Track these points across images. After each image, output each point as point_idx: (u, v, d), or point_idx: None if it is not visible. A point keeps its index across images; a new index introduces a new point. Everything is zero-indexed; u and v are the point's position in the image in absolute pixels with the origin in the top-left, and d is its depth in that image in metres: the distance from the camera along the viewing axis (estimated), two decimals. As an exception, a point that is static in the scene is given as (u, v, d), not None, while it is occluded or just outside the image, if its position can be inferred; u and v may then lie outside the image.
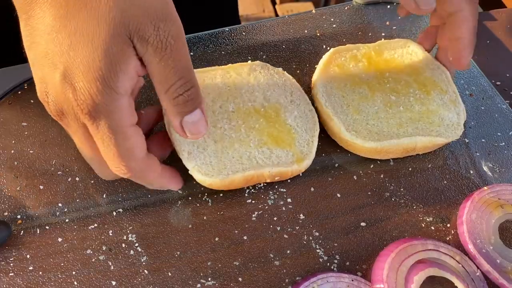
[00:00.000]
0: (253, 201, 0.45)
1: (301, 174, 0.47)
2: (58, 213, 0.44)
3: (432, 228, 0.44)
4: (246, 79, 0.49)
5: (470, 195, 0.45)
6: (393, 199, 0.46)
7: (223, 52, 0.56)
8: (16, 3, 0.35)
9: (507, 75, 0.58)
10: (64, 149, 0.48)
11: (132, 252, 0.42)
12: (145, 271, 0.41)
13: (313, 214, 0.45)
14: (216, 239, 0.43)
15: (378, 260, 0.41)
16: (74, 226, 0.43)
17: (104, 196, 0.45)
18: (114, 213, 0.44)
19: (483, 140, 0.51)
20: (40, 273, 0.40)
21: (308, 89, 0.52)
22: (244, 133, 0.45)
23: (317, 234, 0.44)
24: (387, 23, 0.60)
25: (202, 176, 0.43)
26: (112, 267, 0.41)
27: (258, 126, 0.46)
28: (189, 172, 0.43)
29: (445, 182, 0.48)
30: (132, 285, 0.40)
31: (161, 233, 0.43)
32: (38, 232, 0.43)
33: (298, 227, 0.44)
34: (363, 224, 0.44)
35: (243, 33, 0.58)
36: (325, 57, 0.51)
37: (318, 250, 0.43)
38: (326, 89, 0.49)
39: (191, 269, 0.41)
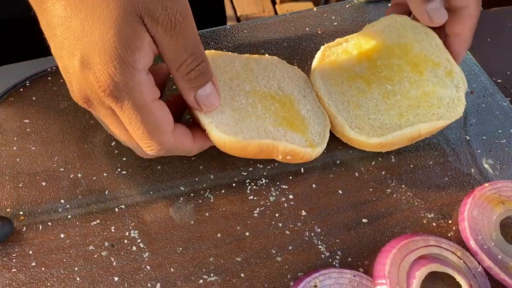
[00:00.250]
0: (255, 198, 0.45)
1: (302, 171, 0.47)
2: (60, 210, 0.44)
3: (434, 224, 0.45)
4: (263, 68, 0.49)
5: (472, 191, 0.46)
6: (394, 196, 0.46)
7: (224, 50, 0.56)
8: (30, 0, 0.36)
9: (508, 72, 0.58)
10: (66, 145, 0.48)
11: (134, 248, 0.42)
12: (148, 267, 0.41)
13: (315, 210, 0.45)
14: (218, 235, 0.43)
15: (380, 256, 0.41)
16: (77, 222, 0.43)
17: (107, 192, 0.45)
18: (117, 209, 0.44)
19: (484, 137, 0.51)
20: (43, 269, 0.41)
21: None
22: (260, 111, 0.45)
23: (319, 230, 0.44)
24: (388, 21, 0.60)
25: (219, 132, 0.41)
26: (114, 263, 0.41)
27: (274, 109, 0.46)
28: (205, 127, 0.41)
29: (447, 178, 0.48)
30: (134, 281, 0.40)
31: (163, 229, 0.43)
32: (40, 228, 0.43)
33: (300, 223, 0.44)
34: (364, 220, 0.45)
35: (245, 31, 0.58)
36: (317, 56, 0.52)
37: (320, 246, 0.43)
38: (326, 87, 0.49)
39: (193, 265, 0.41)
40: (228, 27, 0.58)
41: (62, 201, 0.44)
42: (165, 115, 0.38)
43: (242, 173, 0.47)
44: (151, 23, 0.34)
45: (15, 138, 0.48)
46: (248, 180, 0.47)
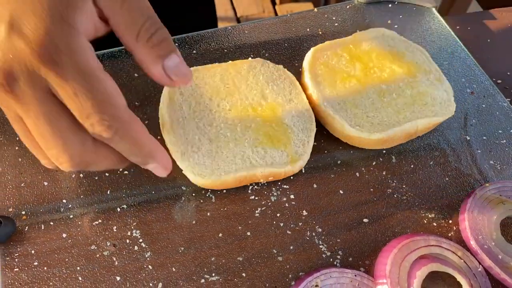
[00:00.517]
0: (257, 198, 0.46)
1: (303, 171, 0.47)
2: (62, 209, 0.44)
3: (434, 224, 0.45)
4: (245, 77, 0.50)
5: (472, 191, 0.46)
6: (395, 196, 0.46)
7: (225, 50, 0.56)
8: None
9: (508, 73, 0.59)
10: (68, 145, 0.48)
11: (136, 247, 0.42)
12: (149, 266, 0.41)
13: (316, 210, 0.45)
14: (220, 235, 0.43)
15: (381, 255, 0.42)
16: (79, 222, 0.43)
17: (108, 192, 0.45)
18: (118, 209, 0.44)
19: (484, 137, 0.51)
20: (45, 268, 0.41)
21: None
22: (240, 132, 0.46)
23: (320, 230, 0.44)
24: (389, 21, 0.61)
25: (195, 176, 0.43)
26: (116, 263, 0.41)
27: (255, 125, 0.46)
28: (183, 172, 0.44)
29: (447, 179, 0.48)
30: (136, 281, 0.40)
31: (165, 229, 0.43)
32: (42, 228, 0.43)
33: (301, 223, 0.44)
34: (365, 220, 0.45)
35: (246, 31, 0.59)
36: (307, 58, 0.52)
37: (321, 246, 0.43)
38: (319, 89, 0.49)
39: (195, 265, 0.41)
40: (229, 27, 0.59)
41: (64, 200, 0.45)
42: (116, 86, 0.32)
43: (244, 173, 0.47)
44: None
45: (17, 138, 0.48)
46: (249, 180, 0.47)
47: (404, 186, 0.47)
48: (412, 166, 0.49)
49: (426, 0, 0.63)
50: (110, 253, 0.42)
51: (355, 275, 0.40)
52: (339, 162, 0.48)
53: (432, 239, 0.42)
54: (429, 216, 0.45)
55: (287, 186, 0.46)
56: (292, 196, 0.46)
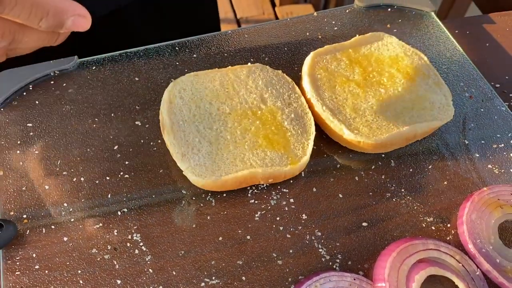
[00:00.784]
0: (256, 201, 0.46)
1: (303, 175, 0.48)
2: (63, 213, 0.44)
3: (433, 228, 0.45)
4: (245, 81, 0.50)
5: (470, 195, 0.46)
6: (394, 200, 0.47)
7: (225, 54, 0.57)
8: None
9: (506, 77, 0.59)
10: (69, 149, 0.48)
11: (137, 251, 0.42)
12: (150, 270, 0.41)
13: (315, 214, 0.45)
14: (220, 238, 0.43)
15: (379, 259, 0.42)
16: (80, 225, 0.44)
17: (109, 196, 0.45)
18: (119, 213, 0.44)
19: (482, 141, 0.51)
20: (46, 272, 0.41)
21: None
22: (240, 135, 0.46)
23: (319, 234, 0.44)
24: (388, 25, 0.61)
25: (195, 177, 0.43)
26: (117, 266, 0.41)
27: (254, 129, 0.47)
28: (183, 173, 0.44)
29: (445, 183, 0.48)
30: (136, 284, 0.41)
31: (165, 233, 0.44)
32: (44, 231, 0.43)
33: (300, 227, 0.44)
34: (364, 224, 0.45)
35: (246, 35, 0.59)
36: (307, 62, 0.52)
37: (320, 250, 0.43)
38: (318, 93, 0.49)
39: (195, 268, 0.42)
40: (229, 31, 0.59)
41: (65, 204, 0.45)
42: None
43: (243, 177, 0.47)
44: None
45: (18, 142, 0.48)
46: (249, 184, 0.47)
47: (403, 190, 0.47)
48: (411, 170, 0.49)
49: (425, 5, 0.63)
50: (111, 257, 0.42)
51: (354, 279, 0.41)
52: (338, 166, 0.49)
53: (431, 243, 0.42)
54: (428, 220, 0.46)
55: (287, 190, 0.47)
56: (291, 200, 0.46)
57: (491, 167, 0.50)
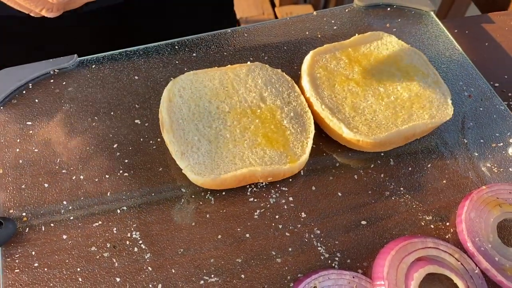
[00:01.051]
0: (256, 200, 0.46)
1: (302, 173, 0.48)
2: (63, 211, 0.44)
3: (432, 226, 0.45)
4: (244, 80, 0.50)
5: (469, 194, 0.46)
6: (393, 198, 0.47)
7: (225, 53, 0.57)
8: None
9: (506, 76, 0.59)
10: (68, 148, 0.48)
11: (136, 249, 0.42)
12: (149, 268, 0.41)
13: (314, 212, 0.45)
14: (219, 236, 0.43)
15: (378, 257, 0.42)
16: (79, 223, 0.44)
17: (108, 194, 0.45)
18: (118, 211, 0.44)
19: (481, 140, 0.52)
20: (45, 269, 0.41)
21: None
22: (239, 134, 0.46)
23: (318, 232, 0.44)
24: (387, 25, 0.61)
25: (195, 175, 0.43)
26: (116, 264, 0.42)
27: (253, 127, 0.47)
28: (183, 171, 0.44)
29: (445, 181, 0.48)
30: (136, 282, 0.41)
31: (164, 231, 0.44)
32: (43, 229, 0.43)
33: (299, 225, 0.45)
34: (363, 222, 0.45)
35: (245, 35, 0.59)
36: (306, 61, 0.52)
37: (319, 248, 0.43)
38: (317, 92, 0.50)
39: (194, 266, 0.42)
40: (229, 31, 0.59)
41: (65, 202, 0.45)
42: None
43: (243, 175, 0.47)
44: None
45: (18, 140, 0.48)
46: (248, 182, 0.47)
47: (402, 189, 0.47)
48: (410, 168, 0.49)
49: (424, 4, 0.63)
50: (110, 255, 0.42)
51: (353, 277, 0.41)
52: (337, 164, 0.49)
53: (430, 241, 0.42)
54: (427, 218, 0.46)
55: (286, 189, 0.47)
56: (290, 198, 0.46)
57: (490, 165, 0.50)
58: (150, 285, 0.41)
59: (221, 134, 0.46)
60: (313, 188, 0.47)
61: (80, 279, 0.41)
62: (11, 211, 0.44)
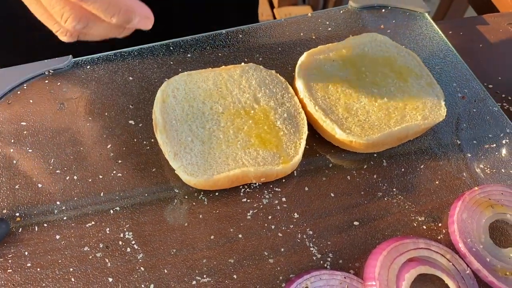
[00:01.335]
0: (248, 200, 0.46)
1: (295, 174, 0.48)
2: (56, 211, 0.44)
3: (424, 227, 0.45)
4: (238, 80, 0.50)
5: (461, 195, 0.46)
6: (385, 199, 0.47)
7: (219, 54, 0.57)
8: None
9: (499, 78, 0.59)
10: (62, 148, 0.48)
11: (128, 249, 0.43)
12: (142, 268, 0.42)
13: (307, 213, 0.46)
14: (212, 237, 0.44)
15: (370, 258, 0.42)
16: (72, 223, 0.44)
17: (102, 194, 0.46)
18: (111, 211, 0.45)
19: (474, 141, 0.52)
20: (38, 269, 0.41)
21: (302, 91, 0.52)
22: (232, 134, 0.46)
23: (311, 232, 0.44)
24: (382, 26, 0.62)
25: (187, 176, 0.44)
26: (109, 264, 0.42)
27: (247, 128, 0.47)
28: (175, 171, 0.44)
29: (437, 182, 0.48)
30: (128, 282, 0.41)
31: (157, 231, 0.44)
32: (36, 229, 0.43)
33: (292, 226, 0.45)
34: (356, 223, 0.45)
35: (240, 36, 0.59)
36: (300, 62, 0.53)
37: (311, 248, 0.43)
38: (311, 93, 0.50)
39: (186, 266, 0.42)
40: (224, 31, 0.59)
41: (58, 202, 0.45)
42: None
43: (236, 176, 0.48)
44: None
45: (12, 140, 0.49)
46: (241, 183, 0.47)
47: (394, 190, 0.48)
48: (403, 169, 0.49)
49: (419, 5, 0.64)
50: (103, 255, 0.42)
51: (345, 277, 0.41)
52: (330, 165, 0.49)
53: (421, 242, 0.42)
54: (419, 219, 0.46)
55: (279, 189, 0.47)
56: (283, 199, 0.46)
57: (482, 167, 0.50)
58: (143, 285, 0.41)
59: (215, 134, 0.46)
60: (306, 188, 0.47)
61: (72, 279, 0.41)
62: (4, 211, 0.44)
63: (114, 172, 0.47)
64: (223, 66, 0.52)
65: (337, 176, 0.48)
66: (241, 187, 0.47)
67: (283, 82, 0.51)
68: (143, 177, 0.47)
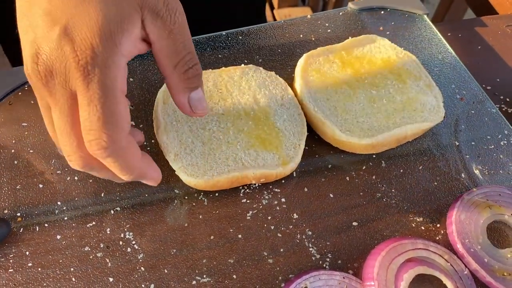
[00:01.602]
0: (248, 201, 0.46)
1: (294, 175, 0.48)
2: (57, 211, 0.45)
3: (422, 228, 0.46)
4: (238, 82, 0.51)
5: (460, 196, 0.47)
6: (384, 200, 0.47)
7: (219, 56, 0.57)
8: None
9: (498, 80, 0.60)
10: (63, 149, 0.49)
11: (129, 249, 0.43)
12: (142, 268, 0.42)
13: (306, 213, 0.46)
14: (212, 237, 0.44)
15: (369, 258, 0.42)
16: (73, 224, 0.44)
17: (102, 194, 0.46)
18: (112, 212, 0.45)
19: (473, 143, 0.52)
20: (39, 269, 0.41)
21: (301, 93, 0.53)
22: (232, 135, 0.47)
23: (310, 233, 0.45)
24: (381, 28, 0.62)
25: (188, 176, 0.44)
26: (109, 264, 0.42)
27: (247, 129, 0.47)
28: (176, 172, 0.45)
29: (436, 183, 0.49)
30: (129, 282, 0.41)
31: (157, 231, 0.44)
32: (37, 229, 0.44)
33: (291, 226, 0.45)
34: (355, 223, 0.46)
35: (240, 37, 0.60)
36: (300, 63, 0.53)
37: (310, 249, 0.44)
38: (310, 95, 0.50)
39: (186, 267, 0.42)
40: (224, 33, 0.60)
41: (59, 203, 0.45)
42: (127, 111, 0.34)
43: (236, 176, 0.48)
44: (151, 15, 0.34)
45: (13, 141, 0.49)
46: (241, 184, 0.47)
47: (393, 190, 0.48)
48: (401, 170, 0.49)
49: (418, 7, 0.64)
50: (104, 255, 0.42)
51: (344, 277, 0.41)
52: (329, 166, 0.49)
53: (420, 243, 0.43)
54: (418, 220, 0.46)
55: (278, 190, 0.47)
56: (283, 200, 0.47)
57: (481, 168, 0.50)
58: (143, 285, 0.41)
59: (215, 135, 0.47)
60: (305, 189, 0.47)
61: (73, 279, 0.41)
62: (5, 211, 0.45)
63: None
64: (223, 68, 0.52)
65: (336, 177, 0.49)
66: (240, 187, 0.47)
67: (283, 84, 0.52)
68: (143, 177, 0.47)
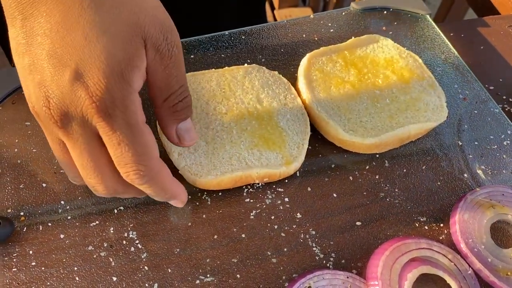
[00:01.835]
0: (252, 200, 0.46)
1: (298, 174, 0.48)
2: (60, 210, 0.45)
3: (426, 227, 0.46)
4: (241, 81, 0.51)
5: (463, 196, 0.47)
6: (387, 199, 0.47)
7: (222, 55, 0.57)
8: (7, 2, 0.32)
9: (500, 80, 0.60)
10: (66, 148, 0.49)
11: (132, 248, 0.43)
12: (145, 267, 0.42)
13: (309, 213, 0.46)
14: (215, 236, 0.44)
15: (372, 258, 0.42)
16: (76, 223, 0.44)
17: (106, 194, 0.46)
18: (116, 211, 0.45)
19: (476, 143, 0.52)
20: (43, 268, 0.41)
21: (305, 92, 0.53)
22: (236, 135, 0.47)
23: (313, 232, 0.45)
24: (384, 28, 0.62)
25: (191, 176, 0.44)
26: (113, 263, 0.42)
27: (250, 128, 0.47)
28: (179, 172, 0.45)
29: (439, 183, 0.49)
30: (132, 281, 0.41)
31: (161, 231, 0.44)
32: (40, 228, 0.44)
33: (295, 226, 0.45)
34: (358, 223, 0.46)
35: (243, 37, 0.60)
36: (303, 63, 0.53)
37: (314, 248, 0.44)
38: (314, 94, 0.50)
39: (190, 266, 0.42)
40: (227, 33, 0.60)
41: (62, 202, 0.45)
42: (153, 139, 0.36)
43: (239, 176, 0.48)
44: (152, 49, 0.34)
45: (17, 140, 0.49)
46: (244, 183, 0.47)
47: (396, 190, 0.48)
48: (404, 170, 0.49)
49: (420, 7, 0.64)
50: (107, 254, 0.42)
51: (347, 277, 0.41)
52: (333, 166, 0.49)
53: (423, 242, 0.43)
54: (421, 219, 0.46)
55: (282, 189, 0.47)
56: (286, 199, 0.47)
57: (484, 168, 0.50)
58: (147, 284, 0.41)
59: (218, 135, 0.47)
60: (309, 189, 0.47)
61: (77, 278, 0.41)
62: (9, 210, 0.44)
63: (118, 172, 0.47)
64: (226, 67, 0.52)
65: (339, 177, 0.49)
66: (244, 187, 0.47)
67: (286, 83, 0.52)
68: (146, 177, 0.47)
